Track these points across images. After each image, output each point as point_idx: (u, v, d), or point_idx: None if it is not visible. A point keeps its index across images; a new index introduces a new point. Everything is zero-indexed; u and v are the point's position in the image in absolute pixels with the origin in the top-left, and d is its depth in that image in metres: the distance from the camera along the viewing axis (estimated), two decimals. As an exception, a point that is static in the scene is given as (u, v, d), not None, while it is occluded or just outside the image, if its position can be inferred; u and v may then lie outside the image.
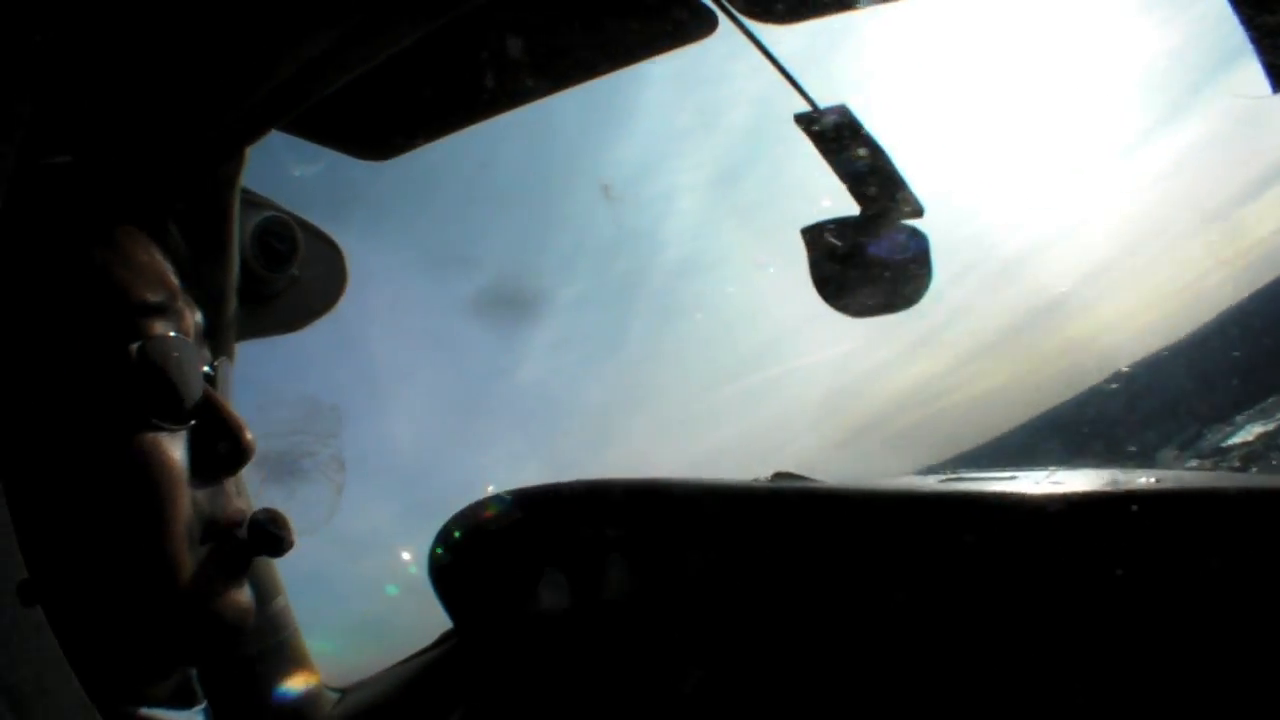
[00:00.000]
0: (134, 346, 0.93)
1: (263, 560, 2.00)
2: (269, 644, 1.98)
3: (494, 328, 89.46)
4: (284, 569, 2.09)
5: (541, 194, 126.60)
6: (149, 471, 0.94)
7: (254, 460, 1.07)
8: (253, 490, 1.79)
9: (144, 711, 0.98)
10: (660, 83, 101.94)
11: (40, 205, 0.95)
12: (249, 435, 1.03)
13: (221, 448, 1.01)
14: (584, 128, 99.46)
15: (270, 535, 1.07)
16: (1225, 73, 67.23)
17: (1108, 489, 1.76)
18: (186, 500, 0.96)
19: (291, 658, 2.02)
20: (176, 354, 0.96)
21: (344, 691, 2.07)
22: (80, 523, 0.92)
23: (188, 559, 0.96)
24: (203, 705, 1.08)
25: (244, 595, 1.02)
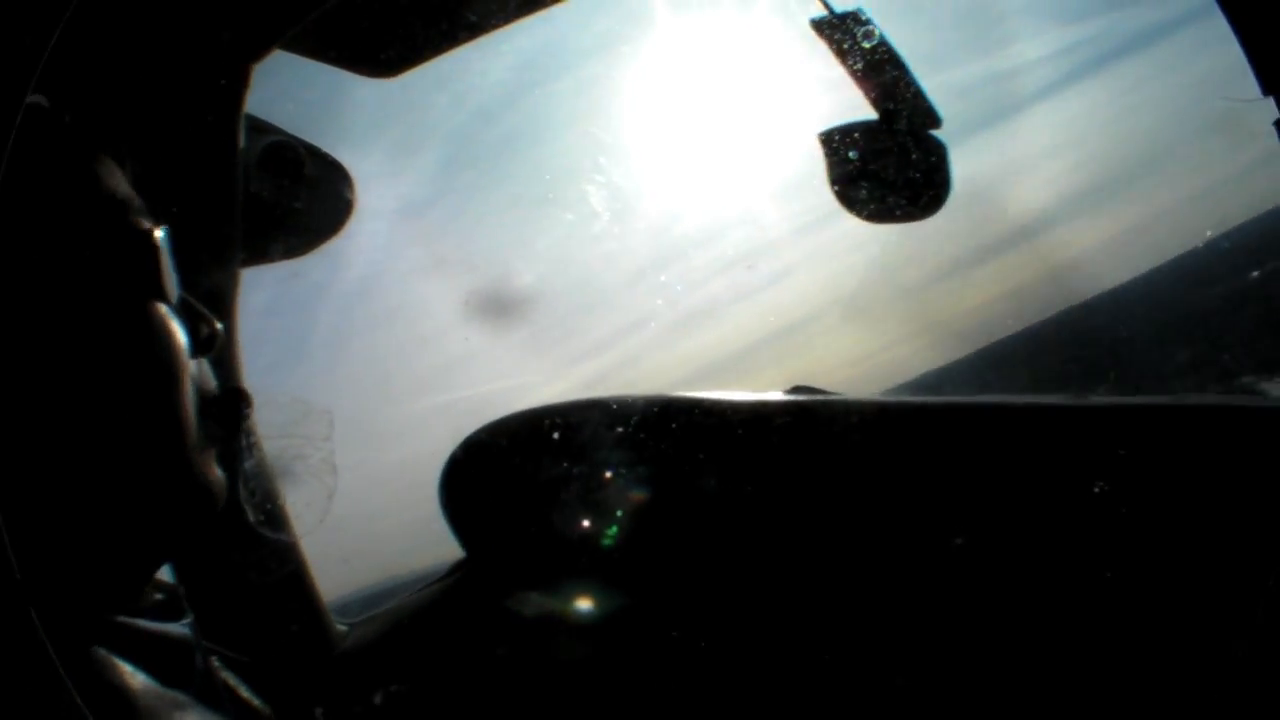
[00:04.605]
0: (157, 234, 1.04)
1: (271, 496, 1.98)
2: (277, 577, 1.94)
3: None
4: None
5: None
6: (166, 336, 1.03)
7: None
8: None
9: (128, 621, 1.00)
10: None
11: (42, 139, 1.03)
12: (219, 324, 1.14)
13: (202, 330, 1.10)
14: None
15: (236, 405, 1.16)
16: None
17: (1133, 405, 1.80)
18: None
19: (299, 591, 1.98)
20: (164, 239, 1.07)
21: (353, 625, 2.02)
22: (92, 390, 0.97)
23: (193, 418, 1.04)
24: (190, 619, 1.09)
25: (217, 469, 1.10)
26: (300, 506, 1.99)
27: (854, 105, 1.80)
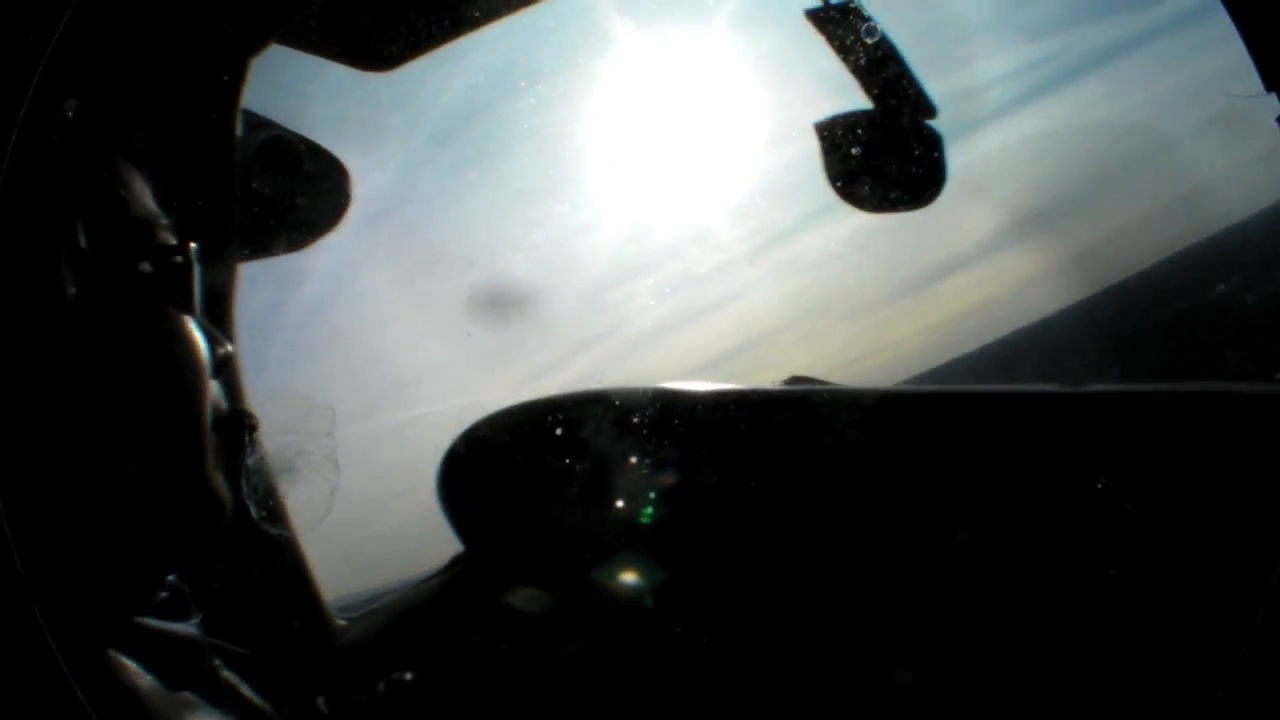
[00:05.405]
0: (191, 246, 1.05)
1: (271, 491, 1.98)
2: (276, 571, 1.94)
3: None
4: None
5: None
6: (194, 349, 1.04)
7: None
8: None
9: (140, 620, 1.01)
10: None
11: (66, 144, 1.02)
12: (230, 346, 1.14)
13: (218, 351, 1.09)
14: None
15: (244, 427, 1.15)
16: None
17: (1133, 391, 1.80)
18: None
19: (300, 586, 1.98)
20: (196, 257, 1.08)
21: (353, 619, 2.02)
22: (121, 400, 0.97)
23: (210, 433, 1.04)
24: (198, 619, 1.10)
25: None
26: (303, 503, 2.01)
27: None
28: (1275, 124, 1.10)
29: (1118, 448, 1.67)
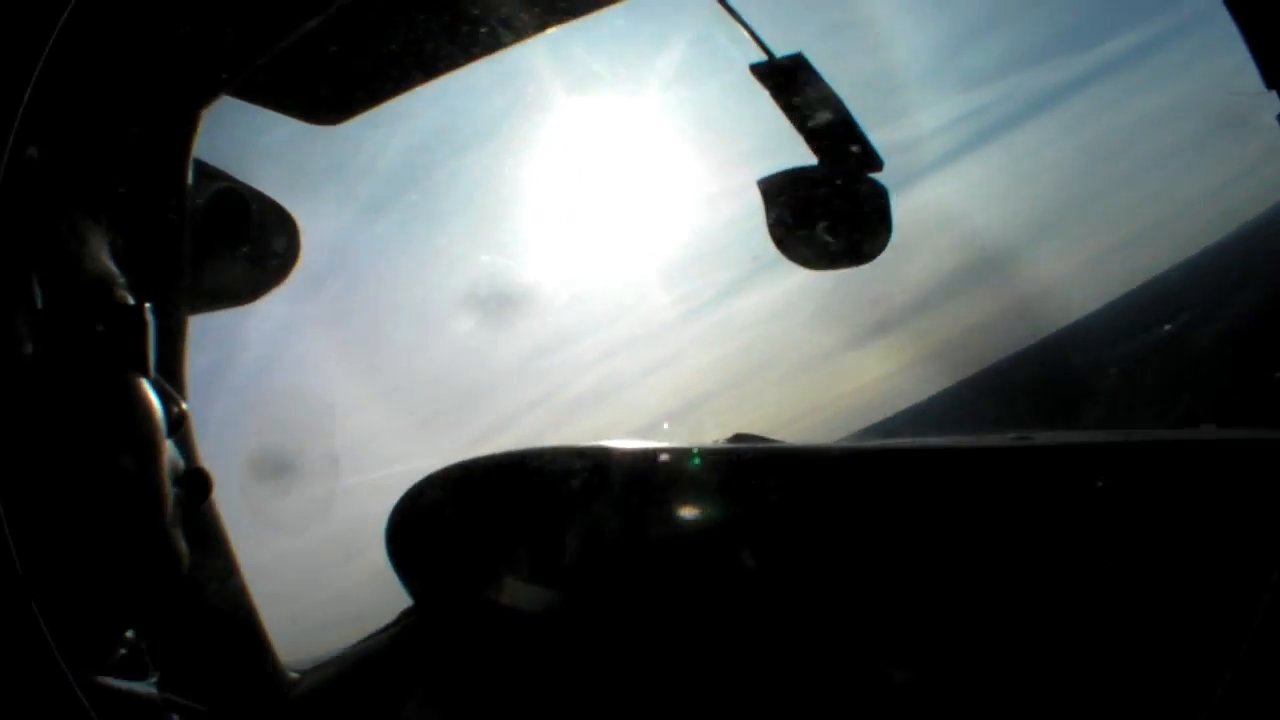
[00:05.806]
0: (146, 306, 1.06)
1: (220, 542, 1.97)
2: (227, 624, 1.92)
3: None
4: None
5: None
6: (149, 411, 1.05)
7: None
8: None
9: (101, 679, 1.00)
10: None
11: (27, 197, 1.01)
12: (185, 404, 1.16)
13: (173, 410, 1.10)
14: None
15: (201, 485, 1.17)
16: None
17: (1062, 443, 1.82)
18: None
19: (249, 638, 1.96)
20: (151, 318, 1.09)
21: (303, 673, 2.01)
22: (77, 462, 0.99)
23: (169, 492, 1.06)
24: (155, 678, 1.10)
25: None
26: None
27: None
28: (1275, 121, 1.11)
29: (1068, 500, 1.67)
